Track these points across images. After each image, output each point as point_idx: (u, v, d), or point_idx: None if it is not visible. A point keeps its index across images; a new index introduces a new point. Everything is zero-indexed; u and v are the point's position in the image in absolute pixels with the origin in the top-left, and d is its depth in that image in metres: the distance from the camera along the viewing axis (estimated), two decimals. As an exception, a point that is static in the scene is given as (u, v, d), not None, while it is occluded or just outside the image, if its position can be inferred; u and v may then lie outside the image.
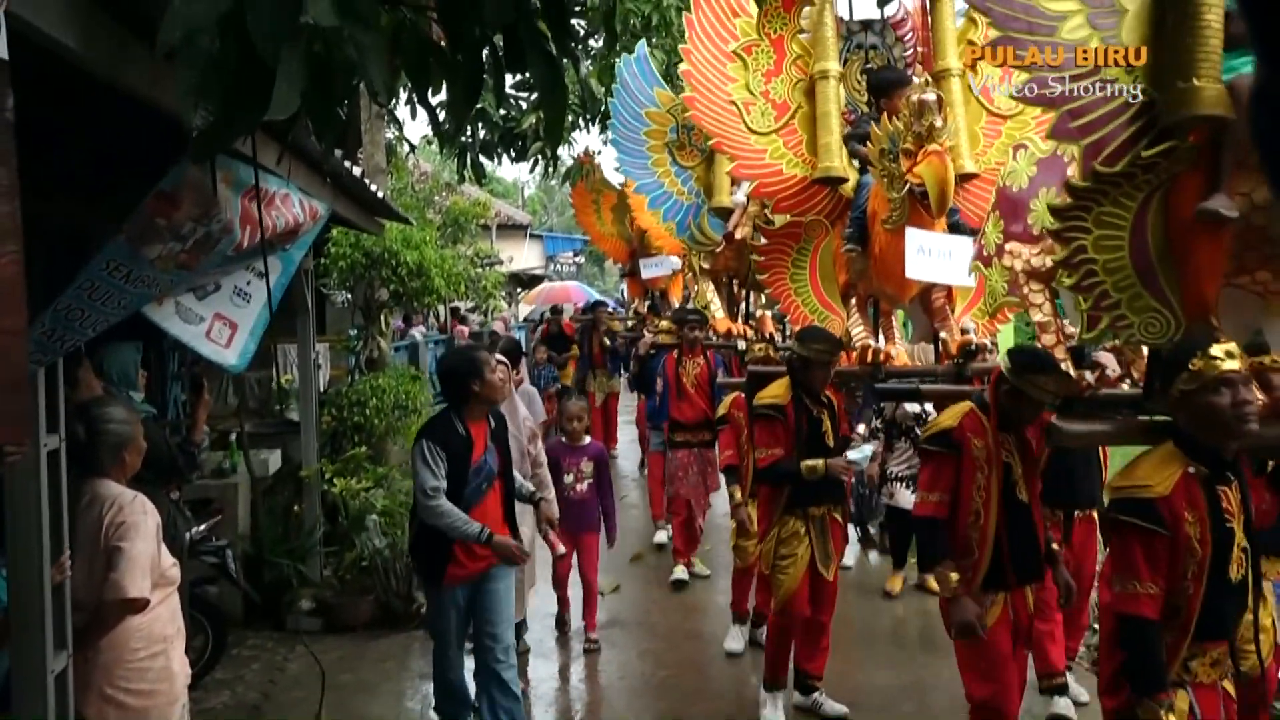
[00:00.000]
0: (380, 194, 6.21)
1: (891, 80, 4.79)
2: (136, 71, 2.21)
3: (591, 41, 11.69)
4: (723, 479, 6.02)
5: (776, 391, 4.55)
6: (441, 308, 14.67)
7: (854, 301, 4.79)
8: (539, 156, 12.51)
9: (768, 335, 7.39)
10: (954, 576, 3.39)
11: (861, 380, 4.65)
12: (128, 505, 3.08)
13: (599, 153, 13.42)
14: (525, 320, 21.55)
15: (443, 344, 13.53)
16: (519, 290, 24.40)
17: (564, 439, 5.64)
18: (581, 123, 11.94)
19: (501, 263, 16.90)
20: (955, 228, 4.33)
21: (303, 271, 5.92)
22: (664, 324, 8.75)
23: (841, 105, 4.77)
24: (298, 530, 6.22)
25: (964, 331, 4.57)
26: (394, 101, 8.03)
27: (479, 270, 12.28)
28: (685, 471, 6.85)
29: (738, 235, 6.91)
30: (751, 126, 4.74)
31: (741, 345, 7.03)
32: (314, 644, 4.98)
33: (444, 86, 2.37)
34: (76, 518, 3.04)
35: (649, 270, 9.67)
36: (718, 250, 7.39)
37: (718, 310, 7.74)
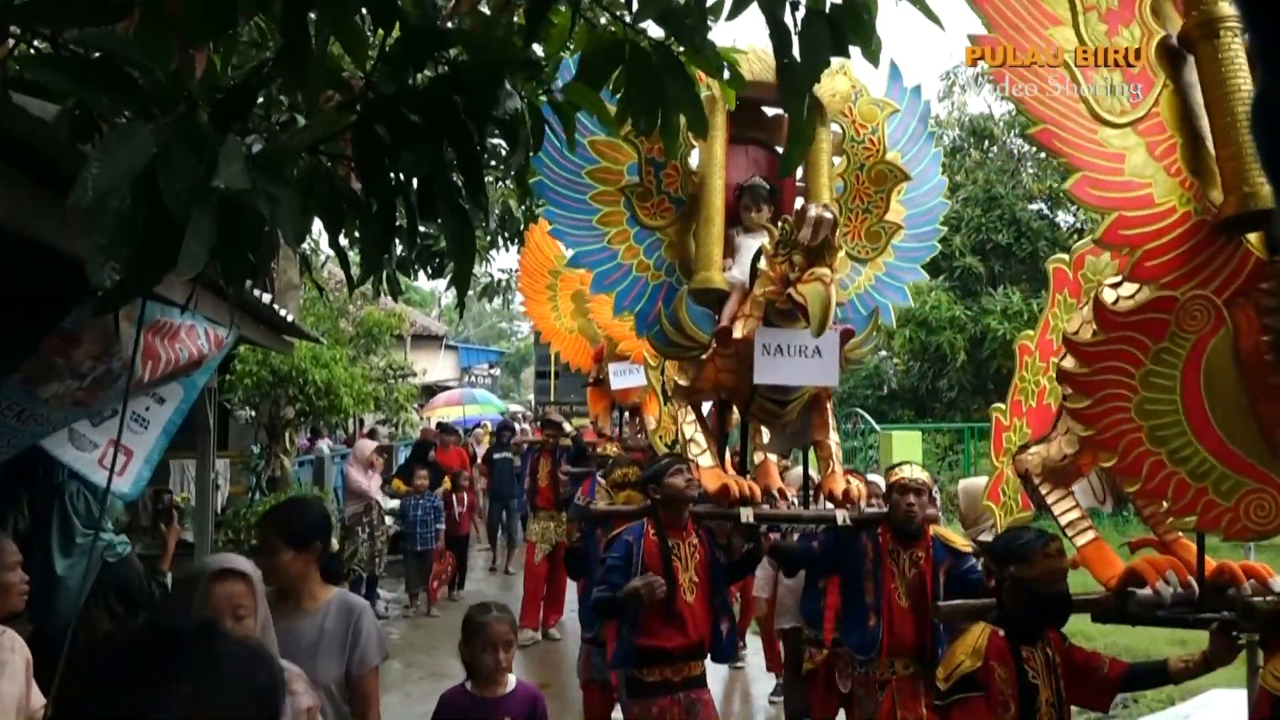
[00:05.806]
0: (290, 315, 6.19)
1: None
2: (48, 224, 2.22)
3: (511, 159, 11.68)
4: None
5: None
6: (351, 422, 14.45)
7: None
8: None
9: (775, 492, 4.38)
10: None
11: None
12: (-6, 643, 2.93)
13: None
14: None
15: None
16: (433, 402, 24.17)
17: (469, 684, 3.19)
18: (501, 241, 11.89)
19: (415, 375, 16.76)
20: None
21: (206, 389, 5.82)
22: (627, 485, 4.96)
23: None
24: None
25: None
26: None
27: (391, 382, 12.20)
28: None
29: (736, 334, 4.09)
30: (1098, 110, 2.70)
31: (747, 516, 4.01)
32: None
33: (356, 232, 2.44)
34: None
35: (620, 379, 7.14)
36: (704, 358, 4.42)
37: (703, 456, 4.39)
